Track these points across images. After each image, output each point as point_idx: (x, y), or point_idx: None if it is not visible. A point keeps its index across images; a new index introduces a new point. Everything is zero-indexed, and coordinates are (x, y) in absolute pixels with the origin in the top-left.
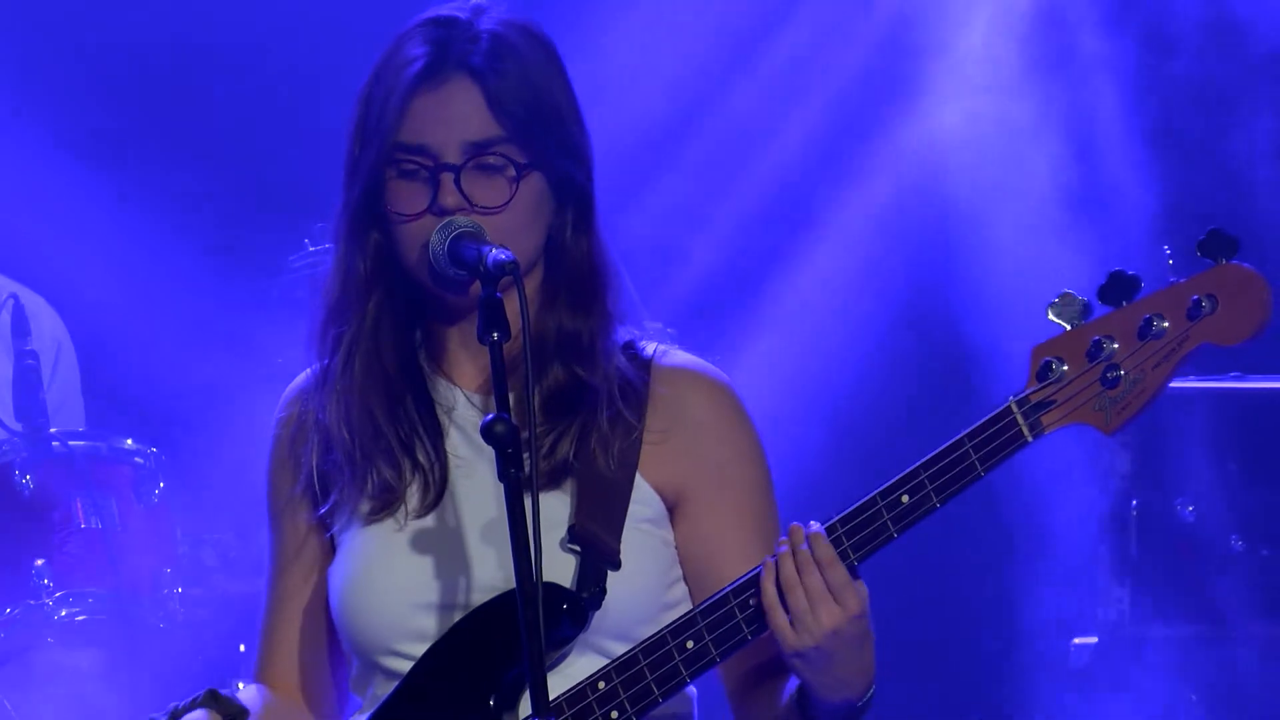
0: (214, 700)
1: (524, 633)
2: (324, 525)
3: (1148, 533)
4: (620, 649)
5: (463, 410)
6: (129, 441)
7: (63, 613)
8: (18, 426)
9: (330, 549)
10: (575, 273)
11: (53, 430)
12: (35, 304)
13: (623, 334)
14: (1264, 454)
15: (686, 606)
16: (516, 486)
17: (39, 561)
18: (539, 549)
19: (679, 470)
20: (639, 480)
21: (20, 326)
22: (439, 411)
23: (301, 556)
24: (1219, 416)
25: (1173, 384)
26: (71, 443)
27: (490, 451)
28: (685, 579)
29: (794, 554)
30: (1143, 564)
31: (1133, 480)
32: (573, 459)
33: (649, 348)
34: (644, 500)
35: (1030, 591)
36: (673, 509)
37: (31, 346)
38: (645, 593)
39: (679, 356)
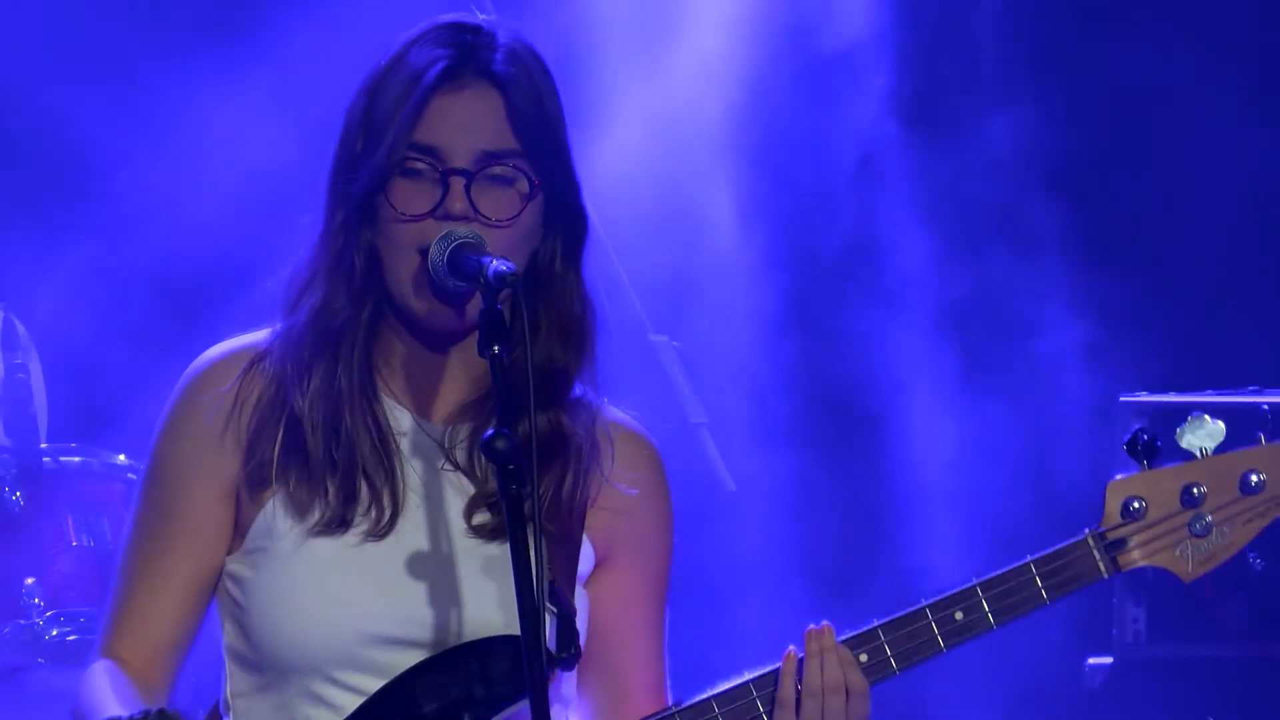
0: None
1: (528, 670)
2: (246, 518)
3: None
4: (558, 713)
5: (416, 437)
6: (121, 457)
7: (54, 632)
8: (8, 442)
9: (229, 541)
10: (564, 305)
11: (44, 446)
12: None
13: None
14: None
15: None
16: (518, 504)
17: (29, 580)
18: (543, 588)
19: (612, 528)
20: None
21: (10, 340)
22: (392, 434)
23: (210, 535)
24: (1235, 431)
25: (1188, 398)
26: (63, 458)
27: (439, 485)
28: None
29: (822, 664)
30: (1158, 582)
31: None
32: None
33: (591, 395)
34: (584, 556)
35: (1044, 610)
36: (596, 566)
37: (22, 360)
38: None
39: (616, 413)
